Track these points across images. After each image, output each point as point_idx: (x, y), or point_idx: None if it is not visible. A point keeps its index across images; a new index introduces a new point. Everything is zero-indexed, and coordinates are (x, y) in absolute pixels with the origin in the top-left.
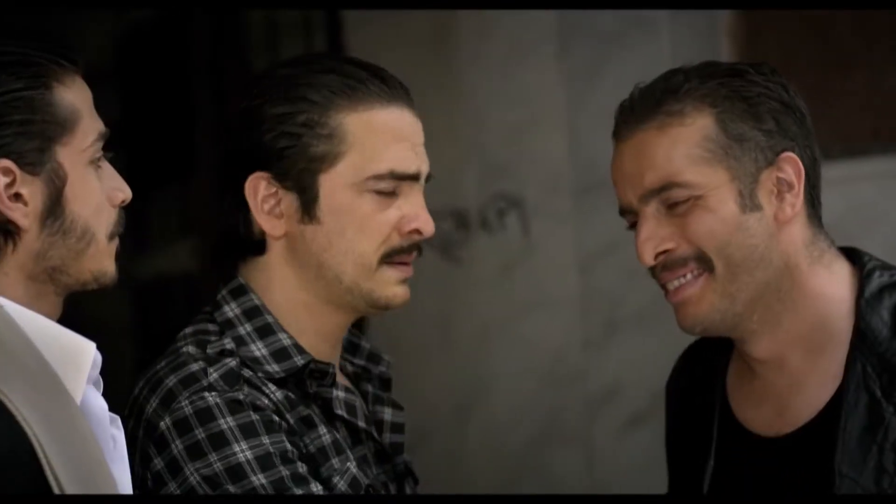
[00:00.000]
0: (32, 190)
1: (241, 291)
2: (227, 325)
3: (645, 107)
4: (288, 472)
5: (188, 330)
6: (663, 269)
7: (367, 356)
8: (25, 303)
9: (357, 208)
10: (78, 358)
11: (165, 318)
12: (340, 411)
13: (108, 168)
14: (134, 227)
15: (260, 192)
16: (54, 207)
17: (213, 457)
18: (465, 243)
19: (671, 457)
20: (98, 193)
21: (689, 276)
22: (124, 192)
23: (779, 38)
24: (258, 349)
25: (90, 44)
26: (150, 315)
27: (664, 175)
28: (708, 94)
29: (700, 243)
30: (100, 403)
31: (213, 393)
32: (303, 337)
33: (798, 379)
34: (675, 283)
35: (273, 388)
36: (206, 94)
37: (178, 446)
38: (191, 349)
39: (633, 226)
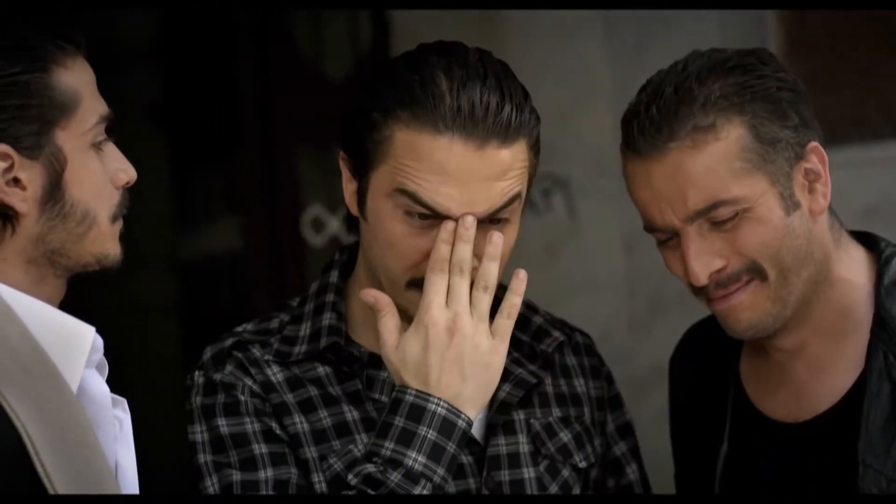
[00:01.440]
0: (31, 174)
1: (328, 267)
2: (304, 300)
3: (668, 122)
4: (236, 458)
5: None
6: (716, 286)
7: (534, 332)
8: (26, 287)
9: (389, 224)
10: (76, 343)
11: (211, 296)
12: (377, 395)
13: (112, 149)
14: (179, 205)
15: (344, 167)
16: (54, 191)
17: (191, 428)
18: None
19: (678, 438)
20: (100, 176)
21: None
22: (128, 174)
23: (826, 18)
24: (305, 328)
25: (135, 21)
26: (195, 294)
27: (709, 194)
28: (734, 103)
29: (753, 255)
30: (101, 387)
31: (199, 372)
32: (368, 317)
33: (818, 365)
34: (721, 291)
35: (276, 369)
36: (251, 68)
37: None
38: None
39: (664, 242)
